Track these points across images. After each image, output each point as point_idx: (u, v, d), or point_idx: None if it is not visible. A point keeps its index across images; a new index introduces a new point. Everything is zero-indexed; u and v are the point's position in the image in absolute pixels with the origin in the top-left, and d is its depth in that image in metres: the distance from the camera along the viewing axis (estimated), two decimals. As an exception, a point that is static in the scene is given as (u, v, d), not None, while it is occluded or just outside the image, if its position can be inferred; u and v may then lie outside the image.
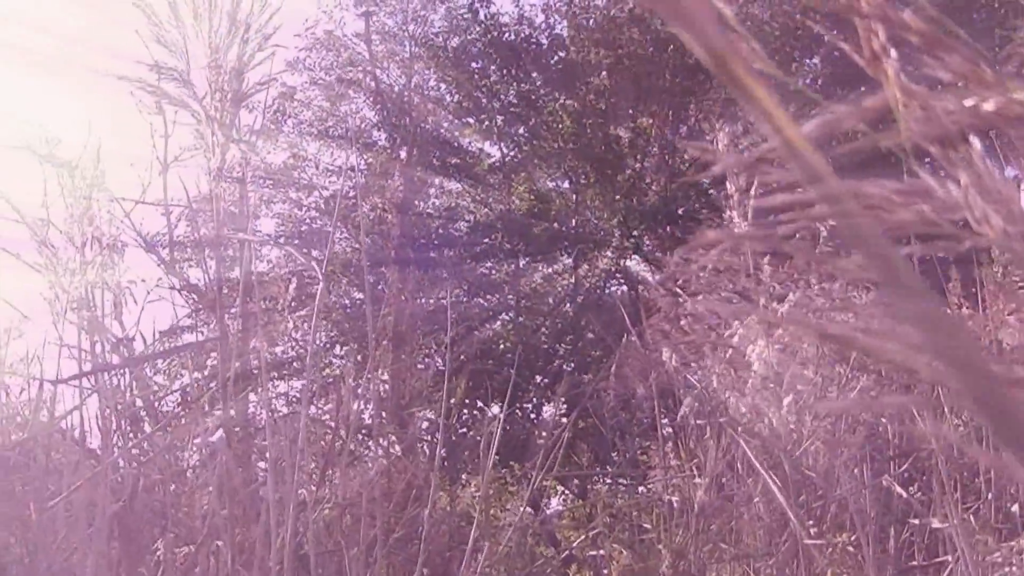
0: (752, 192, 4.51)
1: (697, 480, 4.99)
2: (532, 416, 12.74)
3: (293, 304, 5.03)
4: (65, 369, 4.42)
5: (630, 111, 14.36)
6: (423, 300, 12.34)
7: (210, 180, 3.97)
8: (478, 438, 11.55)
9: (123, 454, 3.89)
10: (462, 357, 11.63)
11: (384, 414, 6.52)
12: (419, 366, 9.14)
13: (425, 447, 8.53)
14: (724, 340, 4.66)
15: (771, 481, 4.27)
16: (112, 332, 4.42)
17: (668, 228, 13.89)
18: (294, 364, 10.19)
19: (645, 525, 5.83)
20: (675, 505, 5.34)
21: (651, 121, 14.56)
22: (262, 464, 4.39)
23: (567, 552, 7.06)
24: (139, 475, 3.88)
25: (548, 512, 9.23)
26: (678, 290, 5.54)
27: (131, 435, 4.19)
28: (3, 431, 4.37)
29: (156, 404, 4.95)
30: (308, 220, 14.55)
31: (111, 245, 4.36)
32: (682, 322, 5.48)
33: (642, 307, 6.48)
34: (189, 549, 3.89)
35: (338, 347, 12.11)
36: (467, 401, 10.28)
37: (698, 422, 5.23)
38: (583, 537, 5.86)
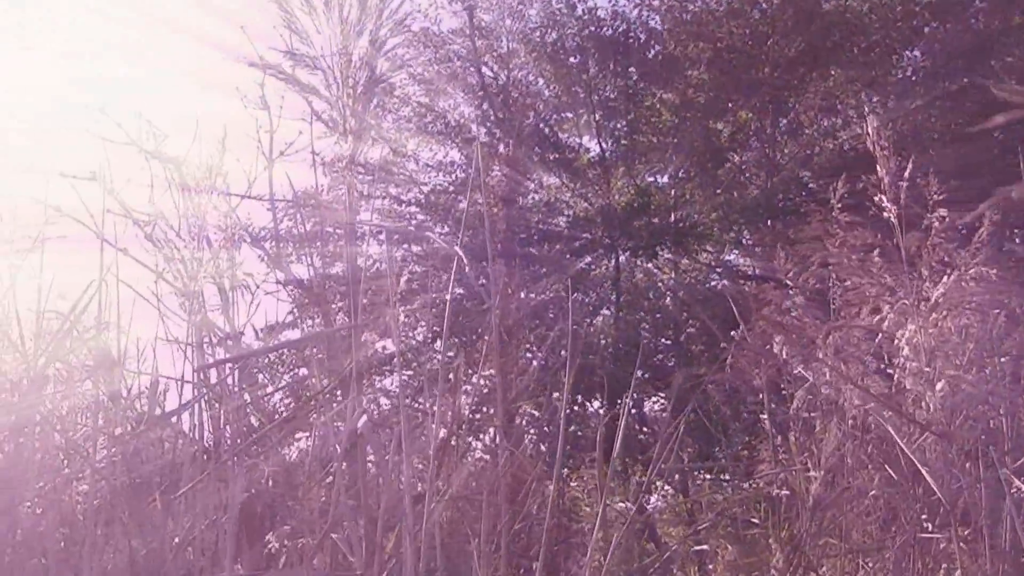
0: (906, 177, 4.46)
1: (812, 474, 4.94)
2: (633, 411, 12.70)
3: (402, 298, 5.05)
4: (167, 365, 4.49)
5: (729, 105, 14.26)
6: (528, 295, 12.33)
7: (342, 168, 3.98)
8: (579, 433, 11.56)
9: (242, 450, 3.93)
10: (563, 352, 11.62)
11: (490, 409, 6.53)
12: (522, 361, 9.15)
13: (531, 442, 8.53)
14: (873, 325, 4.60)
15: (890, 474, 4.24)
16: (221, 327, 4.47)
17: (769, 222, 13.77)
18: (395, 359, 10.19)
19: (753, 520, 5.78)
20: (783, 500, 5.30)
21: (751, 115, 14.45)
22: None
23: (674, 548, 7.03)
24: (262, 470, 3.92)
25: (650, 508, 9.20)
26: (788, 282, 5.51)
27: (243, 432, 4.23)
28: (118, 424, 4.44)
29: (265, 400, 4.99)
30: (408, 215, 14.60)
31: (229, 240, 4.40)
32: (793, 315, 5.44)
33: (747, 301, 6.44)
34: (307, 541, 3.92)
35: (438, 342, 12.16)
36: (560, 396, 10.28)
37: (811, 415, 5.19)
38: (692, 532, 5.82)
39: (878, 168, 4.66)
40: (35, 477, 3.99)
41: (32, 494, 4.03)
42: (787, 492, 5.28)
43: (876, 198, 4.69)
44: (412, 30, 14.54)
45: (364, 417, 3.63)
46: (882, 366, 5.02)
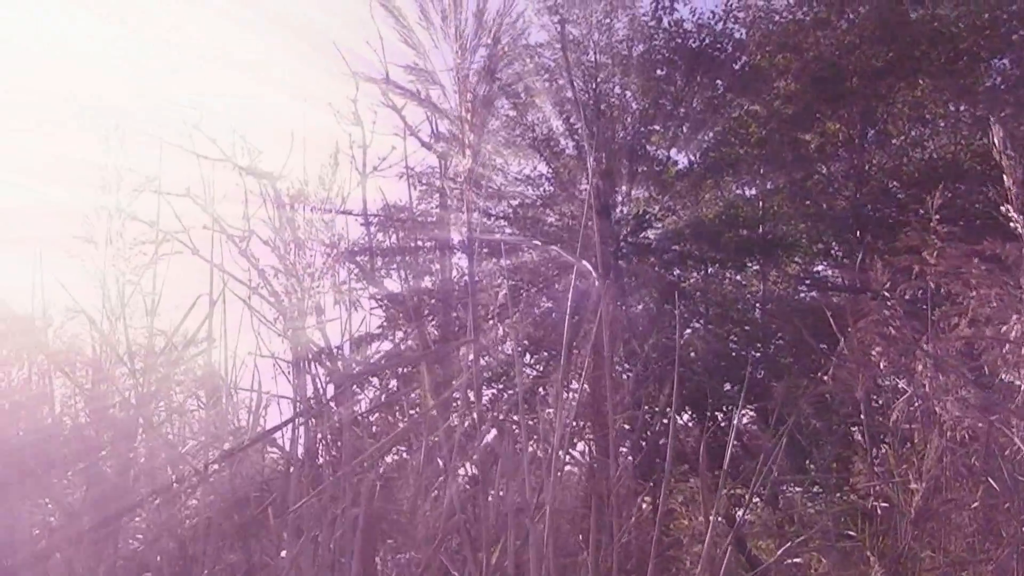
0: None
1: (913, 486, 4.91)
2: (722, 424, 12.66)
3: (499, 312, 5.09)
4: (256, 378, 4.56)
5: (817, 115, 14.18)
6: (622, 307, 12.35)
7: (461, 183, 4.03)
8: (666, 445, 11.55)
9: (355, 468, 3.99)
10: (652, 366, 11.61)
11: (584, 423, 6.56)
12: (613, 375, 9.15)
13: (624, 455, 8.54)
14: (1000, 336, 4.58)
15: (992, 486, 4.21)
16: (315, 342, 4.52)
17: (858, 233, 13.69)
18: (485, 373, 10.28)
19: (850, 532, 5.75)
20: (879, 512, 5.28)
21: (839, 125, 14.37)
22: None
23: (770, 561, 7.00)
24: (373, 485, 3.97)
25: (738, 520, 9.17)
26: (886, 293, 5.50)
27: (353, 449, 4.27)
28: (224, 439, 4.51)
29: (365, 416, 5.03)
30: (496, 229, 14.64)
31: (332, 256, 4.45)
32: (889, 327, 5.43)
33: (839, 313, 6.42)
34: (413, 556, 3.97)
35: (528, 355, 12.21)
36: (655, 408, 10.26)
37: (911, 426, 5.17)
38: (788, 545, 5.80)
39: (1005, 178, 4.62)
40: (146, 491, 4.07)
41: (144, 507, 4.12)
42: (885, 504, 5.26)
43: (1003, 208, 4.65)
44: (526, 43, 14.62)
45: (494, 431, 3.67)
46: (980, 377, 5.00)
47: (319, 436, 4.38)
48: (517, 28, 3.94)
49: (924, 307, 5.41)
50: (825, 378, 6.01)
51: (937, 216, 5.36)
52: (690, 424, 12.79)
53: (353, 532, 3.61)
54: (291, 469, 4.09)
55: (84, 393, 4.51)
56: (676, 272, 14.56)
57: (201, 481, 3.98)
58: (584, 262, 3.67)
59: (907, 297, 5.59)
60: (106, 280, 4.26)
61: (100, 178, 4.22)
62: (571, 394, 5.05)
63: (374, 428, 5.03)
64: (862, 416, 5.74)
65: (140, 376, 4.26)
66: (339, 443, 4.40)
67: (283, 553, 4.01)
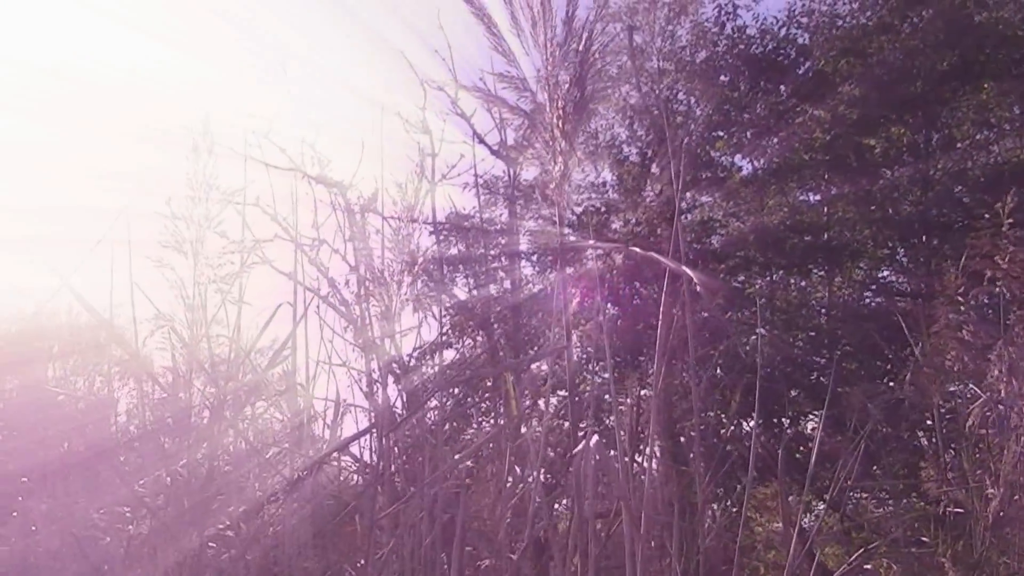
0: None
1: (990, 491, 4.90)
2: (788, 430, 12.64)
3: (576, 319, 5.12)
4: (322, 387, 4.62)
5: (881, 120, 14.10)
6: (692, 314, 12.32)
7: (552, 189, 4.06)
8: (734, 451, 11.51)
9: (437, 475, 4.03)
10: (718, 372, 11.61)
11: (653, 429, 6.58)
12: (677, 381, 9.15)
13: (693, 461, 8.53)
14: None
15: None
16: (388, 352, 4.56)
17: (924, 238, 13.61)
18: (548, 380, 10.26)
19: (924, 538, 5.73)
20: (952, 517, 5.26)
21: (903, 130, 14.28)
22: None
23: (843, 567, 6.97)
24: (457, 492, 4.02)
25: (811, 527, 9.14)
26: (960, 298, 5.48)
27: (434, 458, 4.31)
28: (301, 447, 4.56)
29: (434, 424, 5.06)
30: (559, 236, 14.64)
31: (406, 264, 4.49)
32: (963, 332, 5.42)
33: (907, 318, 6.40)
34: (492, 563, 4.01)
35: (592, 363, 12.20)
36: (723, 415, 10.26)
37: (987, 431, 5.15)
38: (859, 551, 5.78)
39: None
40: (235, 499, 4.14)
41: (231, 515, 4.18)
42: (958, 510, 5.25)
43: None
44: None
45: (596, 437, 3.70)
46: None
47: (395, 446, 4.43)
48: (607, 34, 3.98)
49: (996, 312, 5.39)
50: (893, 384, 5.99)
51: (1009, 220, 5.34)
52: (756, 431, 12.76)
53: (443, 537, 3.66)
54: (374, 478, 4.13)
55: (163, 401, 4.59)
56: (740, 278, 14.53)
57: (292, 489, 4.04)
58: (684, 267, 3.69)
59: (980, 302, 5.58)
60: (186, 288, 4.32)
61: (189, 188, 4.28)
62: (643, 402, 5.07)
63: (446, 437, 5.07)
64: (930, 422, 5.72)
65: (223, 384, 4.32)
66: (411, 452, 4.45)
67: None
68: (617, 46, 14.13)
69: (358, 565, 4.28)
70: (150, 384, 4.62)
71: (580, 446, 3.73)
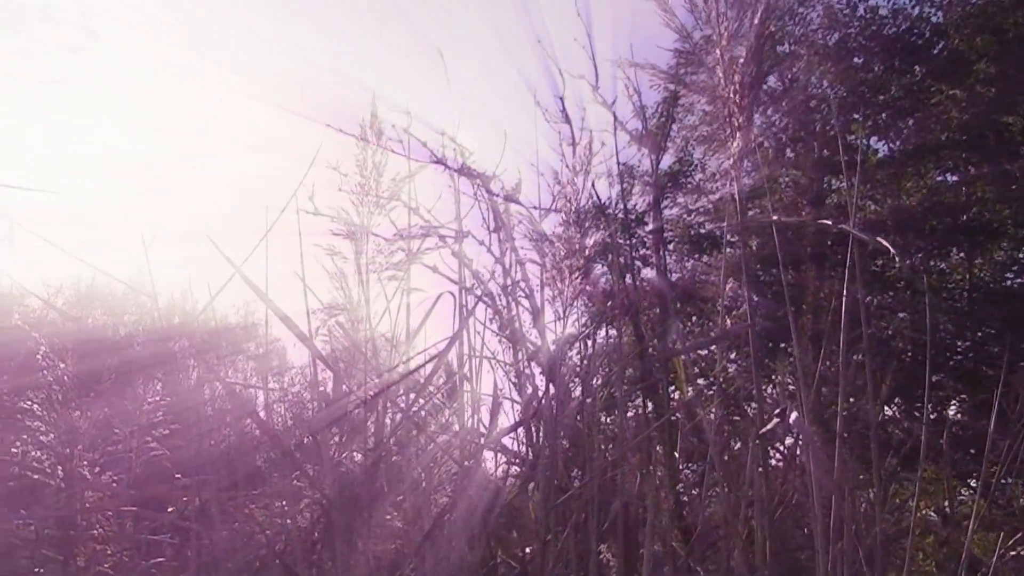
0: None
1: None
2: (932, 415, 12.50)
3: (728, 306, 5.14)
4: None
5: (1020, 98, 13.85)
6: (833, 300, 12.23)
7: (731, 164, 4.08)
8: (892, 436, 11.41)
9: (599, 473, 4.08)
10: (860, 356, 11.51)
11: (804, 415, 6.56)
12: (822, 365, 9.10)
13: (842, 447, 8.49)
14: None
15: None
16: (532, 341, 4.61)
17: (1067, 216, 13.38)
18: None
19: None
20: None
21: (1043, 107, 14.03)
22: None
23: (998, 555, 6.91)
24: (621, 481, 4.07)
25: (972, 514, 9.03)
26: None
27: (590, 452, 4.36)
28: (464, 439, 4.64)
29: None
30: (696, 224, 14.68)
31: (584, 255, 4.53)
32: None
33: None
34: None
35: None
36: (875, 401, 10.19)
37: None
38: (1018, 535, 5.72)
39: None
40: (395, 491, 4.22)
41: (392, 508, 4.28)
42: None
43: None
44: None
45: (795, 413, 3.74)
46: None
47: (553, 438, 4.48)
48: (782, 6, 3.98)
49: None
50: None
51: None
52: (898, 415, 12.63)
53: (613, 525, 3.72)
54: (531, 470, 4.20)
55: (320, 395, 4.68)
56: (879, 262, 14.39)
57: (463, 478, 4.12)
58: (881, 239, 3.69)
59: None
60: (347, 280, 4.40)
61: (360, 175, 4.35)
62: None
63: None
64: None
65: (386, 376, 4.40)
66: (565, 443, 4.51)
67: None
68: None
69: (522, 557, 4.35)
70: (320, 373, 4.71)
71: (771, 423, 3.76)
